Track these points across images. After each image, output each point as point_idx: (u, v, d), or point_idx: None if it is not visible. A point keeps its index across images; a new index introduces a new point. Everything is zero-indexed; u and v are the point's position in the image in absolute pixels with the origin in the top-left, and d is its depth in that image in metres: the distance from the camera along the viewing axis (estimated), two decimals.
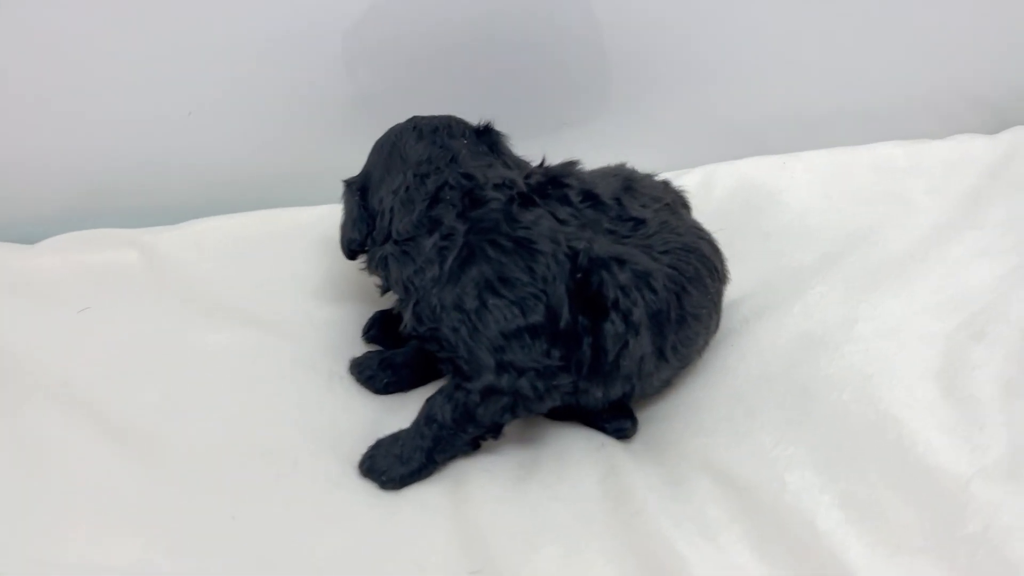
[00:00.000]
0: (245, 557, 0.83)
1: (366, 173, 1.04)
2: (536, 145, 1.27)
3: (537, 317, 0.89)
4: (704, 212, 1.14)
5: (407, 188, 0.96)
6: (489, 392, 0.90)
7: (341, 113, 1.23)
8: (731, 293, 1.09)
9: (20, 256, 1.14)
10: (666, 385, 1.01)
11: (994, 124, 1.34)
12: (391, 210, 0.96)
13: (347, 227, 1.03)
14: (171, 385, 1.01)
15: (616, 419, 0.99)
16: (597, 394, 0.95)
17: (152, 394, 0.99)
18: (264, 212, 1.22)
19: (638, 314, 0.91)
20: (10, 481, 0.89)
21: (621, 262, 0.91)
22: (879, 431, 0.92)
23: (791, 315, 1.07)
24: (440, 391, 0.94)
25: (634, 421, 0.99)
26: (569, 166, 1.02)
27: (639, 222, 0.96)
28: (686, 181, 1.26)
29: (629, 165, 1.10)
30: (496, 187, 0.95)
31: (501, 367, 0.89)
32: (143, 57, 1.16)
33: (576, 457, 0.94)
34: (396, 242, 0.95)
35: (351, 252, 1.03)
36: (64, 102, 1.17)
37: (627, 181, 1.01)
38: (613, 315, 0.90)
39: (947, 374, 0.98)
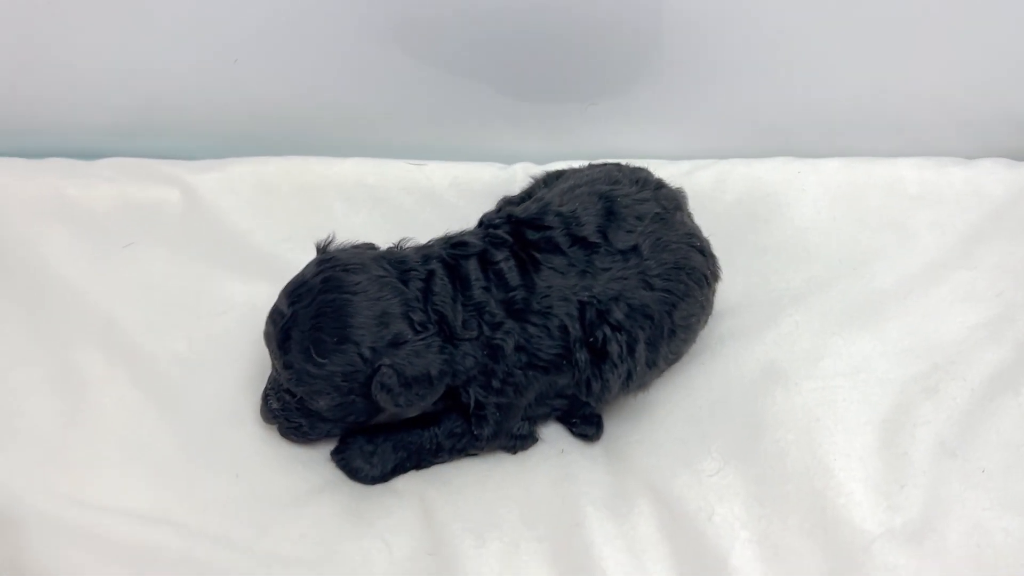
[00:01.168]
0: (240, 518, 0.98)
1: None
2: (563, 124, 1.33)
3: (566, 378, 1.02)
4: (712, 213, 1.21)
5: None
6: (502, 444, 1.05)
7: (376, 74, 1.28)
8: (718, 305, 1.18)
9: (68, 181, 1.24)
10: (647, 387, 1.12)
11: None
12: None
13: None
14: (197, 334, 1.14)
15: (585, 423, 1.09)
16: (587, 410, 1.08)
17: (180, 342, 1.12)
18: (298, 159, 1.30)
19: (640, 348, 1.02)
20: (50, 414, 1.04)
21: (617, 301, 1.01)
22: (810, 477, 1.02)
23: (763, 343, 1.15)
24: (434, 425, 1.04)
25: (599, 428, 1.10)
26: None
27: (629, 253, 1.03)
28: (701, 177, 1.31)
29: (624, 162, 1.16)
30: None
31: (526, 419, 1.04)
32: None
33: (534, 461, 1.06)
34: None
35: None
36: (126, 25, 1.24)
37: (608, 202, 1.04)
38: (615, 359, 1.01)
39: (890, 426, 1.07)
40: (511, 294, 0.99)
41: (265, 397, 1.03)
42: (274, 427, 1.05)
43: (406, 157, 1.32)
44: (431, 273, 0.99)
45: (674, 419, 1.10)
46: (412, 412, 1.03)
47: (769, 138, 1.34)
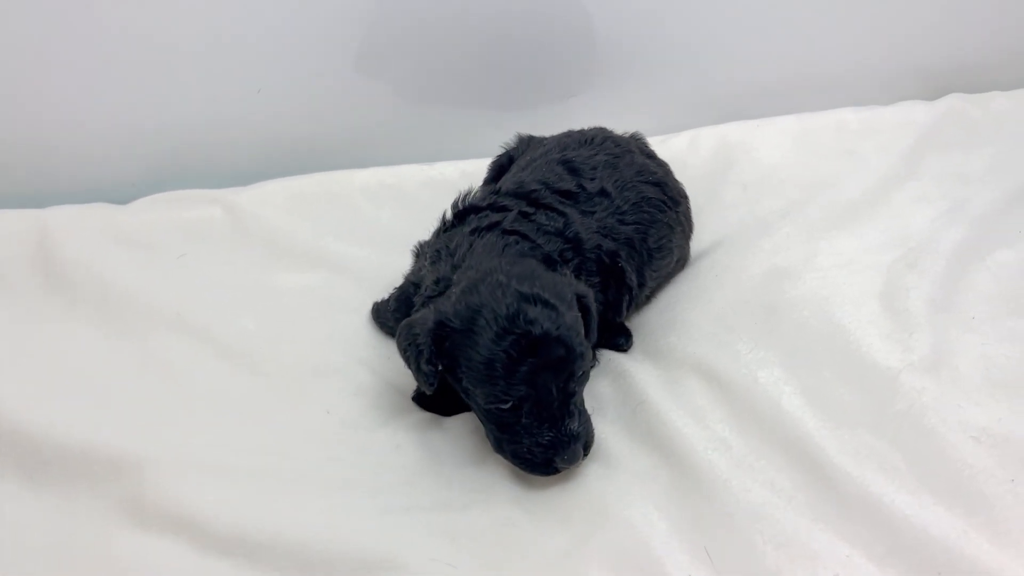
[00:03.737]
0: (333, 443, 1.08)
1: None
2: (547, 112, 1.51)
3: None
4: (693, 167, 1.39)
5: None
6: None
7: (383, 92, 1.46)
8: (714, 235, 1.34)
9: (116, 214, 1.36)
10: (649, 299, 1.27)
11: (933, 92, 1.59)
12: None
13: None
14: (263, 315, 1.24)
15: (615, 337, 1.23)
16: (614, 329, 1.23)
17: (249, 321, 1.23)
18: (320, 174, 1.45)
19: (633, 278, 1.18)
20: (146, 390, 1.13)
21: (615, 239, 1.16)
22: (831, 339, 1.17)
23: (763, 251, 1.32)
24: None
25: (628, 337, 1.24)
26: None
27: (601, 195, 1.18)
28: (676, 143, 1.51)
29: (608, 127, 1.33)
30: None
31: None
32: (216, 43, 1.38)
33: (594, 372, 1.17)
34: None
35: None
36: (153, 81, 1.40)
37: (566, 164, 1.21)
38: (624, 288, 1.17)
39: (887, 295, 1.23)
40: (567, 233, 1.13)
41: (549, 462, 1.00)
42: (354, 379, 1.16)
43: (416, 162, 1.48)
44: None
45: (700, 319, 1.24)
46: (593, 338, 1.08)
47: (727, 108, 1.56)
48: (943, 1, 1.56)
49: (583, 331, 1.01)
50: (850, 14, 1.55)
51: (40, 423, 1.05)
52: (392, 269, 1.31)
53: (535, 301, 0.97)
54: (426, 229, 1.22)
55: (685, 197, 1.29)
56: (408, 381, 1.13)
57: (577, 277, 1.10)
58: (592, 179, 1.20)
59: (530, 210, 1.14)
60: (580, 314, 1.03)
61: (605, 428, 1.10)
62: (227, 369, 1.16)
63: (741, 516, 0.98)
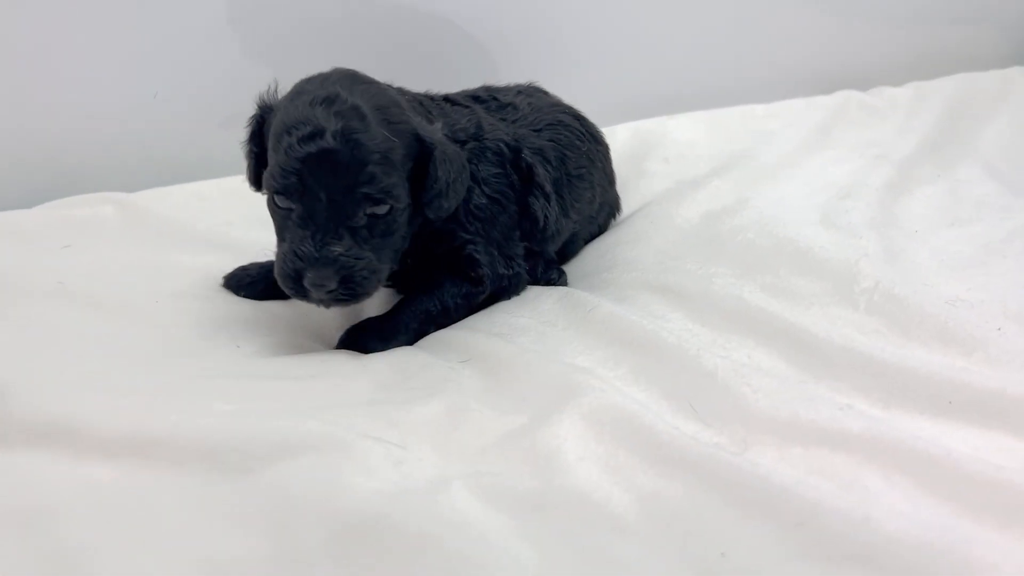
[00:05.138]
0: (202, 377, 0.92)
1: None
2: None
3: (513, 208, 1.07)
4: (614, 150, 1.35)
5: None
6: (498, 283, 1.06)
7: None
8: (643, 198, 1.29)
9: (4, 217, 1.22)
10: (575, 240, 1.20)
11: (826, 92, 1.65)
12: None
13: None
14: (157, 286, 1.09)
15: (547, 271, 1.14)
16: (546, 260, 1.13)
17: (142, 290, 1.08)
18: (217, 179, 1.35)
19: (548, 186, 1.10)
20: (23, 350, 0.94)
21: (529, 146, 1.09)
22: (780, 248, 1.11)
23: (695, 201, 1.27)
24: (435, 288, 1.04)
25: (561, 272, 1.15)
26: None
27: (510, 107, 1.14)
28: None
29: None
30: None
31: (508, 260, 1.06)
32: (110, 51, 1.32)
33: (532, 295, 1.08)
34: None
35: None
36: (40, 95, 1.31)
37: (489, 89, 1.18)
38: (536, 191, 1.08)
39: (826, 218, 1.19)
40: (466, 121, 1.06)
41: (297, 276, 0.91)
42: (266, 326, 1.02)
43: None
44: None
45: (643, 256, 1.17)
46: (448, 209, 0.98)
47: (632, 114, 1.57)
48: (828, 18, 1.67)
49: (394, 161, 0.91)
50: (747, 30, 1.63)
51: None
52: None
53: (346, 103, 0.89)
54: None
55: (606, 144, 1.25)
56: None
57: (469, 163, 1.02)
58: (506, 96, 1.16)
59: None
60: (408, 152, 0.93)
61: (557, 335, 0.98)
62: (118, 325, 1.00)
63: (723, 374, 0.86)
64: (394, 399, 0.86)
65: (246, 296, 1.10)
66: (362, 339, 1.02)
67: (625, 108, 1.57)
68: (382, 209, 0.91)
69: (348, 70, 0.97)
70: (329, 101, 0.89)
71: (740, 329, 0.97)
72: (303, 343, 1.04)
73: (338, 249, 0.89)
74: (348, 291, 0.91)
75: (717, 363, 0.87)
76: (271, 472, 0.73)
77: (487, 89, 1.17)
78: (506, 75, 1.45)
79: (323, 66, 1.00)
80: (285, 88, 0.98)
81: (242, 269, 1.13)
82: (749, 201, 1.25)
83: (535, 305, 1.05)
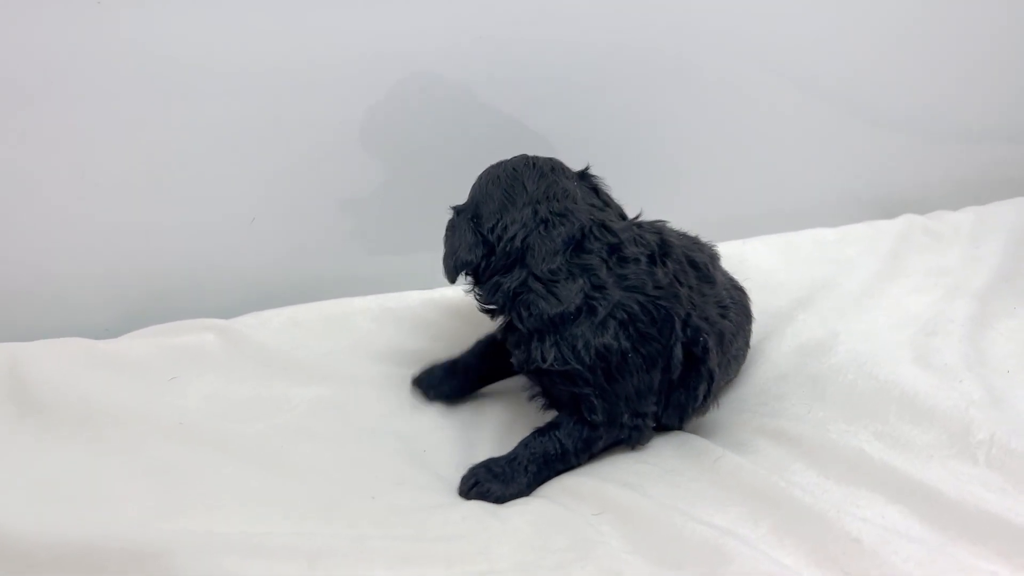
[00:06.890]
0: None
1: (476, 202, 1.11)
2: None
3: (658, 373, 1.06)
4: None
5: (544, 224, 1.06)
6: (614, 431, 1.06)
7: (373, 223, 1.44)
8: None
9: (105, 345, 1.23)
10: None
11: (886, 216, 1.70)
12: (523, 242, 1.05)
13: (461, 250, 1.08)
14: (273, 422, 1.11)
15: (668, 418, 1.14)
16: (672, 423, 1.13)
17: (262, 426, 1.09)
18: (317, 303, 1.37)
19: (716, 371, 1.11)
20: (153, 497, 0.96)
21: (711, 324, 1.10)
22: (885, 393, 1.13)
23: (786, 336, 1.30)
24: (553, 429, 1.05)
25: (682, 419, 1.14)
26: (661, 223, 1.17)
27: (713, 282, 1.16)
28: None
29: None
30: (635, 243, 1.08)
31: (634, 414, 1.06)
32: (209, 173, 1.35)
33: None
34: (538, 279, 1.04)
35: (457, 274, 1.09)
36: (143, 215, 1.33)
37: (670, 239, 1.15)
38: (703, 369, 1.09)
39: (920, 358, 1.22)
40: (624, 272, 1.06)
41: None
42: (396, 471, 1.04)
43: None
44: None
45: (744, 396, 1.20)
46: None
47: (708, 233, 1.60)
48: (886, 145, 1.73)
49: None
50: (805, 155, 1.68)
51: (30, 530, 0.87)
52: (392, 381, 1.23)
53: None
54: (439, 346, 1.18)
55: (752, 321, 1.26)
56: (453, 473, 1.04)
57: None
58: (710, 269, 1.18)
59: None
60: None
61: (687, 486, 1.00)
62: (247, 470, 1.01)
63: (869, 540, 0.88)
64: (543, 563, 0.87)
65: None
66: (484, 482, 1.03)
67: (692, 230, 1.61)
68: None
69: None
70: None
71: (867, 483, 0.99)
72: (427, 481, 1.05)
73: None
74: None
75: (860, 527, 0.89)
76: None
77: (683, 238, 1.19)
78: None
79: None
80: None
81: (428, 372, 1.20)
82: (839, 337, 1.28)
83: (656, 451, 1.06)
